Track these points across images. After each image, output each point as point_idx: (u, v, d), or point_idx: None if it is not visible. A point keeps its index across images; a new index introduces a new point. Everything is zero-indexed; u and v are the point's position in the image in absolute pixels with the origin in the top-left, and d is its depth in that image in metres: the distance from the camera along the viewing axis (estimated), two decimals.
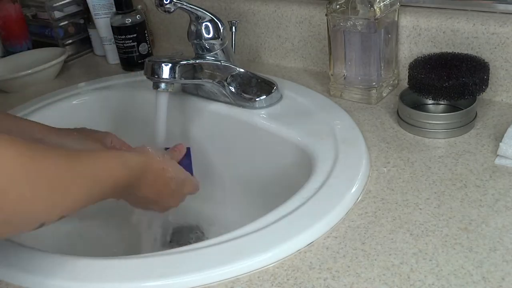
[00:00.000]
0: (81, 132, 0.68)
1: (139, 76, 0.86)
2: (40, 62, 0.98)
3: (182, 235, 0.80)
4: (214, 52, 0.75)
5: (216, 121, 0.80)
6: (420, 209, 0.55)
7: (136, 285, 0.48)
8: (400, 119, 0.69)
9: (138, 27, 0.97)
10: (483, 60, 0.68)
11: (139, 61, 0.99)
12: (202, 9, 0.73)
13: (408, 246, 0.50)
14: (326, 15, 0.75)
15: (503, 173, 0.58)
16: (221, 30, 0.74)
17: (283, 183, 0.72)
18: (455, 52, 0.71)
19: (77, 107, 0.89)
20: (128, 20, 0.96)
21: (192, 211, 0.83)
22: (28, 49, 1.09)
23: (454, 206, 0.55)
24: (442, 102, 0.71)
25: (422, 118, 0.67)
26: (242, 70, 0.78)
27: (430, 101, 0.72)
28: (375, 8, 0.70)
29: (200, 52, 0.75)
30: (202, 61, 0.75)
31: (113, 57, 1.05)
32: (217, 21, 0.74)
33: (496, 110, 0.71)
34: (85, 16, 1.10)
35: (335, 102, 0.76)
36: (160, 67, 0.69)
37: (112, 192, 0.54)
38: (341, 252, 0.50)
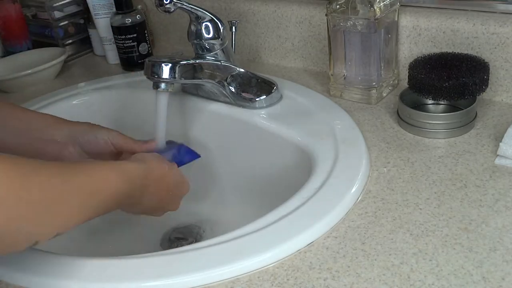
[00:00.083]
0: (92, 125, 0.68)
1: (139, 76, 0.86)
2: (40, 62, 0.98)
3: (182, 235, 0.80)
4: (214, 52, 0.75)
5: (216, 121, 0.80)
6: (420, 209, 0.55)
7: (136, 285, 0.48)
8: (400, 119, 0.69)
9: (138, 27, 0.97)
10: (483, 60, 0.68)
11: (139, 61, 0.99)
12: (202, 9, 0.73)
13: (408, 246, 0.50)
14: (326, 15, 0.75)
15: (503, 173, 0.58)
16: (221, 30, 0.74)
17: (283, 183, 0.72)
18: (455, 52, 0.71)
19: (77, 107, 0.89)
20: (128, 20, 0.96)
21: (192, 211, 0.83)
22: (28, 49, 1.09)
23: (454, 206, 0.55)
24: (442, 102, 0.71)
25: (422, 118, 0.67)
26: (242, 70, 0.78)
27: (430, 101, 0.72)
28: (375, 8, 0.70)
29: (200, 52, 0.75)
30: (202, 61, 0.75)
31: (113, 57, 1.05)
32: (217, 21, 0.74)
33: (496, 110, 0.71)
34: (85, 16, 1.10)
35: (335, 102, 0.76)
36: (160, 67, 0.69)
37: (113, 205, 0.52)
38: (341, 252, 0.50)
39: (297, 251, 0.51)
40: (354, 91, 0.77)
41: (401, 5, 0.76)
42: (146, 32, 0.99)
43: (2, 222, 0.38)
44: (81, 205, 0.47)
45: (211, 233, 0.81)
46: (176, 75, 0.70)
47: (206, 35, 0.74)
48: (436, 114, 0.68)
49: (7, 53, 1.09)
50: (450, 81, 0.65)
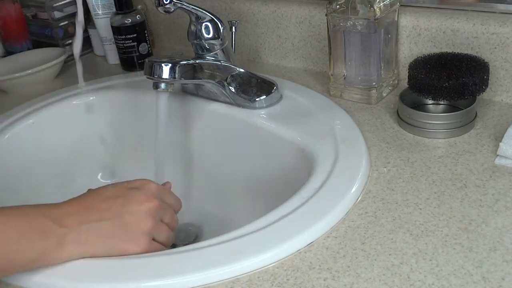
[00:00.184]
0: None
1: (139, 76, 0.86)
2: (40, 62, 0.98)
3: (181, 235, 0.80)
4: (214, 52, 0.75)
5: (216, 121, 0.80)
6: (420, 209, 0.55)
7: (136, 285, 0.48)
8: (400, 119, 0.69)
9: (138, 27, 0.97)
10: (483, 60, 0.68)
11: (139, 61, 0.99)
12: (202, 9, 0.73)
13: (408, 246, 0.50)
14: (326, 15, 0.75)
15: (503, 173, 0.58)
16: (221, 30, 0.74)
17: (283, 183, 0.72)
18: (455, 52, 0.71)
19: (77, 107, 0.89)
20: (128, 20, 0.96)
21: (192, 211, 0.83)
22: (28, 49, 1.09)
23: (454, 206, 0.55)
24: (442, 102, 0.71)
25: (422, 118, 0.67)
26: (242, 70, 0.78)
27: (430, 101, 0.72)
28: (375, 8, 0.70)
29: (200, 52, 0.75)
30: (202, 61, 0.75)
31: (113, 57, 1.05)
32: (217, 21, 0.74)
33: (496, 110, 0.71)
34: (85, 16, 1.10)
35: (335, 102, 0.76)
36: (160, 67, 0.69)
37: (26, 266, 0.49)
38: (341, 252, 0.50)
39: (297, 251, 0.51)
40: (354, 91, 0.77)
41: (401, 5, 0.76)
42: (146, 32, 0.99)
43: None
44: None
45: (211, 233, 0.81)
46: (176, 75, 0.70)
47: (206, 35, 0.74)
48: (436, 114, 0.68)
49: (7, 53, 1.09)
50: (450, 81, 0.65)
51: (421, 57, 0.71)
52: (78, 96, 0.90)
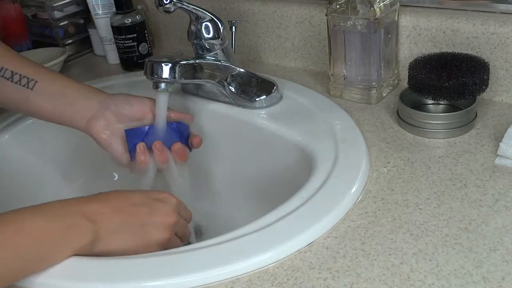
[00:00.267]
0: (126, 96, 0.71)
1: (139, 76, 0.86)
2: (40, 62, 0.96)
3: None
4: (214, 52, 0.75)
5: (216, 121, 0.80)
6: (420, 209, 0.55)
7: (136, 285, 0.48)
8: (400, 119, 0.69)
9: (138, 27, 0.97)
10: (483, 60, 0.68)
11: (139, 61, 0.99)
12: (202, 9, 0.73)
13: (408, 246, 0.50)
14: (326, 15, 0.75)
15: (503, 173, 0.58)
16: (221, 30, 0.74)
17: (283, 183, 0.72)
18: (455, 52, 0.71)
19: None
20: (128, 20, 0.96)
21: (191, 211, 0.83)
22: (28, 49, 1.09)
23: (454, 206, 0.55)
24: (442, 102, 0.71)
25: (422, 118, 0.67)
26: (242, 70, 0.78)
27: (430, 101, 0.72)
28: (375, 8, 0.70)
29: (200, 52, 0.75)
30: (202, 61, 0.75)
31: (113, 57, 1.05)
32: (217, 21, 0.74)
33: (496, 110, 0.71)
34: (85, 16, 1.10)
35: (335, 102, 0.76)
36: (160, 67, 0.69)
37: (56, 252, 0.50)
38: (341, 252, 0.50)
39: (297, 251, 0.51)
40: (354, 91, 0.77)
41: (401, 5, 0.76)
42: (146, 32, 0.99)
43: None
44: (23, 260, 0.47)
45: (211, 233, 0.81)
46: (176, 75, 0.70)
47: (206, 35, 0.74)
48: (436, 114, 0.68)
49: None
50: (450, 81, 0.65)
51: (421, 57, 0.71)
52: None
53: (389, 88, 0.79)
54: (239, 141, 0.79)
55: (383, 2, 0.71)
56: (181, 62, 0.71)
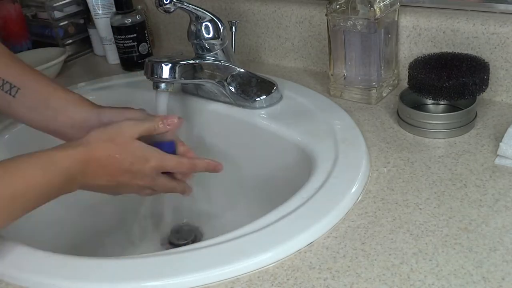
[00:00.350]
0: (118, 109, 0.68)
1: (139, 76, 0.86)
2: (40, 62, 0.98)
3: (181, 235, 0.80)
4: (214, 52, 0.75)
5: (216, 121, 0.80)
6: (420, 209, 0.55)
7: (136, 285, 0.48)
8: (400, 119, 0.69)
9: (138, 27, 0.97)
10: (483, 60, 0.68)
11: (139, 61, 0.99)
12: (202, 9, 0.73)
13: (408, 246, 0.50)
14: (326, 15, 0.75)
15: (503, 173, 0.58)
16: (221, 30, 0.74)
17: (283, 183, 0.72)
18: (455, 52, 0.71)
19: None
20: (128, 20, 0.96)
21: (191, 211, 0.83)
22: (28, 49, 1.09)
23: (454, 206, 0.55)
24: (442, 102, 0.71)
25: (422, 118, 0.67)
26: (242, 70, 0.78)
27: (430, 101, 0.72)
28: (375, 8, 0.70)
29: (200, 52, 0.75)
30: (202, 61, 0.75)
31: (113, 57, 1.05)
32: (217, 21, 0.74)
33: (496, 110, 0.71)
34: (85, 16, 1.10)
35: (335, 102, 0.76)
36: (160, 67, 0.69)
37: (45, 199, 0.54)
38: (341, 252, 0.50)
39: (297, 251, 0.51)
40: (354, 91, 0.77)
41: (401, 5, 0.76)
42: (146, 32, 0.99)
43: None
44: (3, 210, 0.49)
45: (211, 233, 0.81)
46: (176, 75, 0.70)
47: (206, 35, 0.74)
48: (436, 114, 0.68)
49: None
50: (450, 81, 0.65)
51: (421, 57, 0.71)
52: None
53: (389, 88, 0.79)
54: (239, 141, 0.79)
55: (383, 2, 0.71)
56: (181, 62, 0.71)
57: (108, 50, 1.05)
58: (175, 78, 0.70)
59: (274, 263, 0.50)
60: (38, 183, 0.53)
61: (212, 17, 0.74)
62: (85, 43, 1.12)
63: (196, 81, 0.77)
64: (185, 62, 0.72)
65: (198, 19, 0.73)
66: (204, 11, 0.73)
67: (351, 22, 0.73)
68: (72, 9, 1.09)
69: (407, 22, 0.77)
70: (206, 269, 0.49)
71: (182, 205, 0.80)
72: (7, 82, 0.64)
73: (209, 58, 0.75)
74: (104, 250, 0.78)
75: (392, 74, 0.79)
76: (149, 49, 1.00)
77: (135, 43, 0.98)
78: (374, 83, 0.76)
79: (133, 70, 1.00)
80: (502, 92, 0.73)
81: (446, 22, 0.74)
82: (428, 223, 0.52)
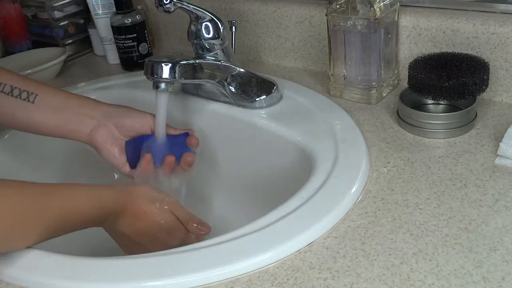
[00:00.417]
0: (129, 109, 0.72)
1: (139, 76, 0.86)
2: (40, 62, 0.98)
3: None
4: (214, 52, 0.75)
5: (216, 121, 0.80)
6: (420, 209, 0.55)
7: (136, 285, 0.48)
8: (400, 119, 0.69)
9: (138, 27, 0.97)
10: (483, 60, 0.68)
11: (139, 61, 0.99)
12: (202, 9, 0.73)
13: (408, 246, 0.50)
14: (326, 15, 0.75)
15: (503, 173, 0.58)
16: (221, 30, 0.74)
17: (283, 183, 0.72)
18: (455, 52, 0.71)
19: None
20: (128, 20, 0.96)
21: (191, 211, 0.83)
22: (28, 49, 1.10)
23: (454, 206, 0.55)
24: (442, 102, 0.71)
25: (422, 118, 0.67)
26: (242, 70, 0.78)
27: (430, 101, 0.72)
28: (375, 8, 0.70)
29: (200, 52, 0.75)
30: (202, 61, 0.75)
31: (113, 57, 1.05)
32: (217, 21, 0.74)
33: (496, 110, 0.71)
34: (85, 16, 1.10)
35: (335, 102, 0.76)
36: (160, 67, 0.69)
37: (82, 225, 0.56)
38: (341, 252, 0.50)
39: (297, 251, 0.51)
40: (354, 91, 0.77)
41: (401, 5, 0.76)
42: (146, 32, 0.99)
43: None
44: (49, 224, 0.52)
45: (211, 233, 0.81)
46: (176, 75, 0.70)
47: (206, 35, 0.74)
48: (436, 114, 0.68)
49: (7, 53, 1.09)
50: (450, 81, 0.65)
51: (421, 57, 0.71)
52: None
53: (389, 88, 0.79)
54: (239, 141, 0.79)
55: (383, 2, 0.71)
56: (181, 62, 0.71)
57: (108, 50, 1.05)
58: (175, 78, 0.70)
59: (274, 263, 0.50)
60: (82, 209, 0.56)
61: (212, 17, 0.74)
62: (85, 43, 1.12)
63: (196, 81, 0.77)
64: (185, 62, 0.72)
65: (198, 19, 0.73)
66: (204, 11, 0.73)
67: (351, 22, 0.73)
68: (72, 9, 1.09)
69: (407, 22, 0.77)
70: (206, 269, 0.49)
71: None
72: (24, 90, 0.66)
73: (209, 58, 0.75)
74: (104, 250, 0.78)
75: (392, 74, 0.79)
76: (149, 49, 1.00)
77: (135, 43, 0.98)
78: (374, 83, 0.76)
79: (133, 70, 1.00)
80: (502, 92, 0.73)
81: (446, 22, 0.74)
82: (428, 223, 0.52)
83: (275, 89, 0.78)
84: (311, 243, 0.52)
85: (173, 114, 0.77)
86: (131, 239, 0.61)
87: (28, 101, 0.67)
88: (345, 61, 0.77)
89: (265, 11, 0.91)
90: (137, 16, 0.97)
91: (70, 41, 1.10)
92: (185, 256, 0.51)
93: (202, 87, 0.80)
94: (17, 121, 0.68)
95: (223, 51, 0.76)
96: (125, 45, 0.98)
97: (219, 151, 0.82)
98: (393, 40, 0.77)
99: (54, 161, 0.87)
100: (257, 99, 0.76)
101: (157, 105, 0.70)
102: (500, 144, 0.60)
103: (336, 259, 0.49)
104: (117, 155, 0.70)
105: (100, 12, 1.02)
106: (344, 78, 0.79)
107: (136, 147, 0.70)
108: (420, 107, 0.71)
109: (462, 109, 0.67)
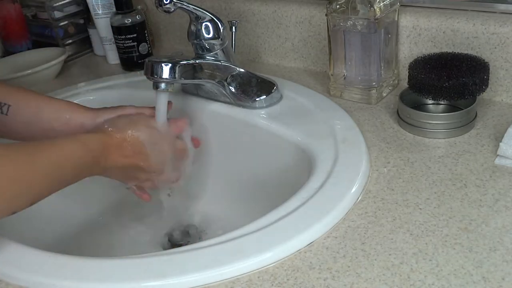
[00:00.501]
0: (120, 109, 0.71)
1: (139, 76, 0.86)
2: (40, 62, 0.98)
3: (181, 235, 0.80)
4: (214, 52, 0.75)
5: (216, 121, 0.80)
6: (420, 209, 0.55)
7: (136, 285, 0.48)
8: (400, 119, 0.69)
9: (138, 27, 0.97)
10: (483, 60, 0.68)
11: (139, 61, 0.99)
12: (202, 9, 0.73)
13: (408, 246, 0.50)
14: (326, 15, 0.75)
15: (503, 173, 0.58)
16: (221, 30, 0.74)
17: (283, 183, 0.72)
18: (455, 52, 0.71)
19: None
20: (128, 20, 0.96)
21: (191, 210, 0.83)
22: (28, 49, 1.09)
23: (454, 206, 0.55)
24: (442, 102, 0.71)
25: (422, 118, 0.67)
26: (242, 70, 0.78)
27: (430, 101, 0.72)
28: (375, 8, 0.70)
29: (200, 52, 0.75)
30: (202, 61, 0.75)
31: (113, 57, 1.05)
32: (217, 21, 0.74)
33: (496, 110, 0.71)
34: (85, 16, 1.10)
35: (335, 102, 0.76)
36: (160, 67, 0.69)
37: (77, 173, 0.57)
38: (341, 252, 0.50)
39: (297, 251, 0.51)
40: (354, 91, 0.77)
41: (401, 5, 0.76)
42: (146, 32, 0.99)
43: None
44: (50, 178, 0.53)
45: (211, 233, 0.81)
46: (176, 75, 0.70)
47: (206, 35, 0.74)
48: (436, 114, 0.68)
49: (7, 53, 1.09)
50: (450, 81, 0.65)
51: (421, 57, 0.71)
52: (78, 96, 0.90)
53: (389, 88, 0.79)
54: (239, 141, 0.79)
55: (383, 2, 0.71)
56: (181, 62, 0.71)
57: (108, 50, 1.05)
58: (175, 78, 0.70)
59: (274, 263, 0.50)
60: (73, 155, 0.56)
61: (212, 17, 0.74)
62: (85, 43, 1.12)
63: (196, 81, 0.77)
64: (185, 62, 0.72)
65: (198, 19, 0.73)
66: (204, 11, 0.73)
67: (351, 22, 0.73)
68: (72, 9, 1.09)
69: (407, 22, 0.77)
70: (206, 269, 0.49)
71: (182, 205, 0.80)
72: None
73: (209, 58, 0.75)
74: (104, 250, 0.78)
75: (392, 74, 0.79)
76: (149, 49, 1.00)
77: (135, 43, 0.98)
78: (374, 83, 0.76)
79: (133, 70, 1.00)
80: (502, 92, 0.73)
81: (446, 22, 0.74)
82: (428, 223, 0.53)
83: (275, 89, 0.78)
84: (311, 243, 0.52)
85: (173, 114, 0.77)
86: (127, 168, 0.63)
87: (2, 112, 0.65)
88: (345, 61, 0.77)
89: (265, 11, 0.91)
90: (137, 16, 0.97)
91: (70, 41, 1.10)
92: (185, 256, 0.51)
93: (202, 87, 0.80)
94: None
95: (223, 51, 0.76)
96: (125, 45, 0.98)
97: (219, 151, 0.82)
98: (393, 40, 0.77)
99: None
100: (257, 99, 0.76)
101: (157, 105, 0.70)
102: (500, 144, 0.60)
103: (336, 259, 0.49)
104: None
105: (100, 12, 1.02)
106: (344, 78, 0.79)
107: None
108: (420, 107, 0.71)
109: (462, 109, 0.67)
